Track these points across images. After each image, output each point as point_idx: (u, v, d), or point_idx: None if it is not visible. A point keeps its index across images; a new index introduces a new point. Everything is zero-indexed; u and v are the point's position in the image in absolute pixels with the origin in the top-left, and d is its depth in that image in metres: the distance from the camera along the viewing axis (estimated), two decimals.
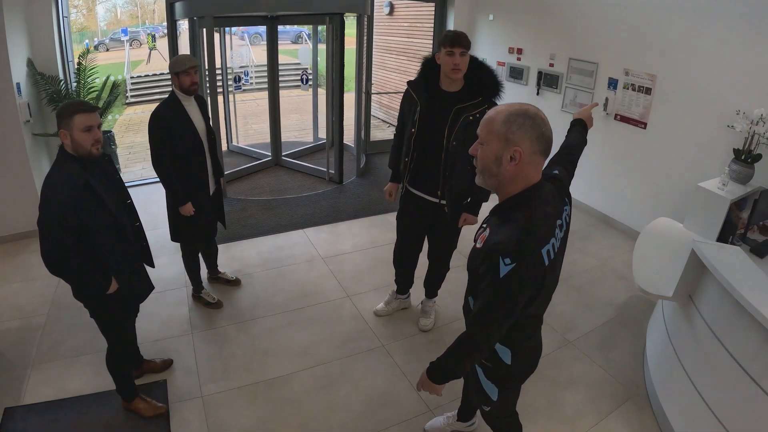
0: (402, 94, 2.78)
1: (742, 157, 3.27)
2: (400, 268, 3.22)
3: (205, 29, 4.53)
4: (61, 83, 4.44)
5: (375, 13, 6.96)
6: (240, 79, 6.33)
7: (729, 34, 3.52)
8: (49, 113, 4.37)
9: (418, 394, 2.66)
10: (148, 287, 2.37)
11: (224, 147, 6.30)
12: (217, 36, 5.73)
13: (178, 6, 4.65)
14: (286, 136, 6.94)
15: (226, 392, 2.66)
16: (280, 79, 6.09)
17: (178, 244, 3.26)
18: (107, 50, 15.99)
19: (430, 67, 2.62)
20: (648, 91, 4.18)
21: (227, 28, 6.35)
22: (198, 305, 3.37)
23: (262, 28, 6.11)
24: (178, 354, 2.92)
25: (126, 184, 2.30)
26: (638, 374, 2.87)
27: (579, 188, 4.91)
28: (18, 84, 3.95)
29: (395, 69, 8.37)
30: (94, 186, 1.97)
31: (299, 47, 9.37)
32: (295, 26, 14.09)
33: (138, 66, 13.83)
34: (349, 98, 6.17)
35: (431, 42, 6.76)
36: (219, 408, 2.56)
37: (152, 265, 2.44)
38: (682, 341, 2.46)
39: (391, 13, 8.27)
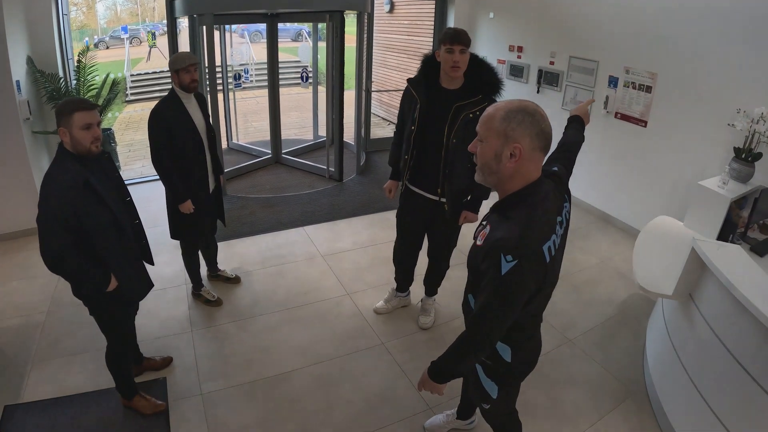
0: (402, 92, 2.78)
1: (743, 156, 3.27)
2: (400, 265, 3.22)
3: (205, 27, 4.52)
4: (61, 81, 4.43)
5: (375, 11, 6.96)
6: (240, 76, 6.32)
7: (730, 32, 3.51)
8: (49, 111, 4.36)
9: (417, 392, 2.66)
10: (147, 285, 2.37)
11: (224, 145, 6.29)
12: (217, 33, 5.72)
13: (178, 3, 4.65)
14: (286, 133, 6.93)
15: (225, 390, 2.67)
16: (280, 76, 6.08)
17: (177, 242, 3.25)
18: (107, 48, 15.95)
19: (430, 64, 2.61)
20: (648, 89, 4.17)
21: (227, 26, 6.34)
22: (198, 303, 3.37)
23: (262, 26, 6.10)
24: (178, 352, 2.92)
25: (126, 182, 2.30)
26: (638, 372, 2.88)
27: (579, 186, 4.91)
28: (18, 82, 3.94)
29: (395, 67, 8.35)
30: (94, 184, 1.96)
31: (299, 45, 9.33)
32: (296, 24, 14.08)
33: (138, 64, 13.81)
34: (350, 96, 6.16)
35: (432, 40, 6.75)
36: (218, 406, 2.56)
37: (152, 263, 2.44)
38: (681, 340, 2.46)
39: (391, 10, 8.26)
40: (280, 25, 5.96)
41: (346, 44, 5.31)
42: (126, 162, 6.84)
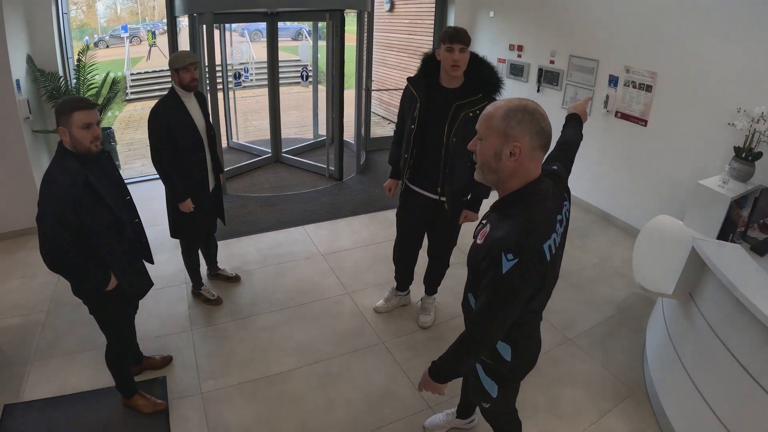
0: (402, 91, 2.77)
1: (743, 155, 3.26)
2: (400, 264, 3.22)
3: (204, 26, 4.51)
4: (61, 80, 4.43)
5: (375, 10, 6.95)
6: (240, 75, 6.31)
7: (730, 31, 3.51)
8: (49, 110, 4.36)
9: (417, 391, 2.66)
10: (147, 284, 2.37)
11: (224, 144, 6.29)
12: (217, 32, 5.71)
13: (177, 2, 4.64)
14: (286, 132, 6.93)
15: (225, 389, 2.67)
16: (280, 75, 6.08)
17: (177, 241, 3.25)
18: (107, 47, 15.92)
19: (430, 63, 2.61)
20: (649, 88, 4.17)
21: (227, 25, 6.33)
22: (197, 302, 3.37)
23: (262, 25, 6.10)
24: (178, 351, 2.92)
25: (126, 181, 2.30)
26: (638, 372, 2.88)
27: (579, 186, 4.90)
28: (18, 81, 3.94)
29: (396, 66, 8.35)
30: (94, 183, 1.96)
31: (299, 44, 9.33)
32: (296, 23, 14.07)
33: (138, 63, 13.80)
34: (350, 95, 6.16)
35: (432, 39, 6.74)
36: (218, 405, 2.56)
37: (152, 262, 2.44)
38: (682, 339, 2.46)
39: (391, 9, 8.25)
40: (280, 24, 5.95)
41: (346, 43, 5.31)
42: (126, 161, 6.84)
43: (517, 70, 5.56)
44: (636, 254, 3.06)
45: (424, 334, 3.16)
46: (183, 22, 6.52)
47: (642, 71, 4.20)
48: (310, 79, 6.80)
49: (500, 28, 5.77)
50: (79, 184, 1.91)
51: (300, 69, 7.03)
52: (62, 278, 2.10)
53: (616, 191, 4.71)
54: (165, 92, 2.90)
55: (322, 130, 6.68)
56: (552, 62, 5.10)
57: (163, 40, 13.27)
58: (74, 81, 4.62)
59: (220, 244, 3.64)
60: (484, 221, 1.51)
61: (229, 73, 6.33)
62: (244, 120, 8.93)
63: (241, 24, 12.07)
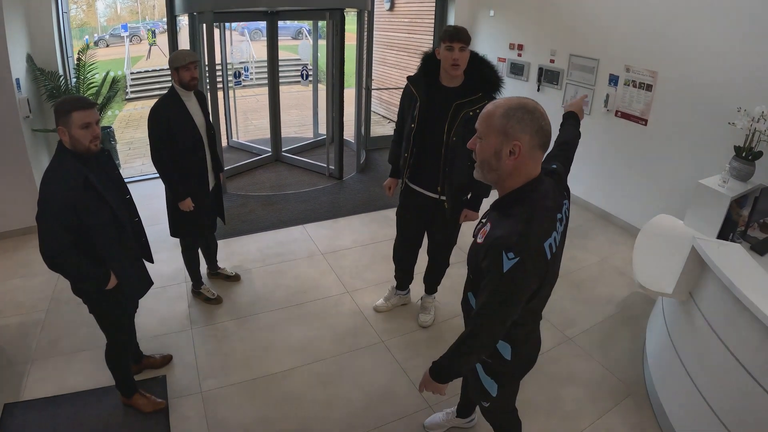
0: (402, 90, 2.77)
1: (743, 155, 3.26)
2: (400, 263, 3.22)
3: (204, 24, 4.51)
4: (61, 79, 4.42)
5: (375, 9, 6.93)
6: (240, 74, 6.31)
7: (730, 30, 3.50)
8: (49, 109, 4.35)
9: (417, 390, 2.65)
10: (147, 283, 2.37)
11: (224, 143, 6.28)
12: (217, 31, 5.70)
13: (177, 1, 4.64)
14: (286, 131, 6.92)
15: (225, 388, 2.67)
16: (280, 74, 6.07)
17: (177, 240, 3.25)
18: (107, 46, 15.91)
19: (430, 62, 2.60)
20: (649, 87, 4.16)
21: (227, 24, 6.32)
22: (197, 301, 3.37)
23: (262, 24, 6.09)
24: (178, 349, 2.92)
25: (126, 180, 2.30)
26: (638, 371, 2.88)
27: (579, 185, 4.90)
28: (17, 80, 3.93)
29: (396, 65, 8.34)
30: (93, 182, 1.96)
31: (299, 43, 9.33)
32: (296, 22, 14.06)
33: (138, 62, 13.80)
34: (350, 94, 6.15)
35: (432, 38, 6.74)
36: (218, 403, 2.56)
37: (151, 261, 2.44)
38: (681, 338, 2.46)
39: (391, 8, 8.24)
40: (281, 23, 5.95)
41: (347, 42, 5.30)
42: (126, 160, 6.84)
43: (517, 69, 5.56)
44: (636, 253, 3.06)
45: (424, 333, 3.16)
46: (183, 21, 6.52)
47: (642, 70, 4.19)
48: (310, 78, 6.80)
49: (500, 27, 5.77)
50: (79, 184, 1.91)
51: (300, 68, 7.02)
52: (62, 277, 2.10)
53: (616, 190, 4.71)
54: (165, 91, 2.90)
55: (322, 129, 6.68)
56: (552, 61, 5.10)
57: (163, 39, 13.26)
58: (74, 80, 4.61)
59: (220, 243, 3.64)
60: (484, 220, 1.51)
61: (229, 72, 6.33)
62: (244, 119, 8.92)
63: (241, 23, 12.05)
